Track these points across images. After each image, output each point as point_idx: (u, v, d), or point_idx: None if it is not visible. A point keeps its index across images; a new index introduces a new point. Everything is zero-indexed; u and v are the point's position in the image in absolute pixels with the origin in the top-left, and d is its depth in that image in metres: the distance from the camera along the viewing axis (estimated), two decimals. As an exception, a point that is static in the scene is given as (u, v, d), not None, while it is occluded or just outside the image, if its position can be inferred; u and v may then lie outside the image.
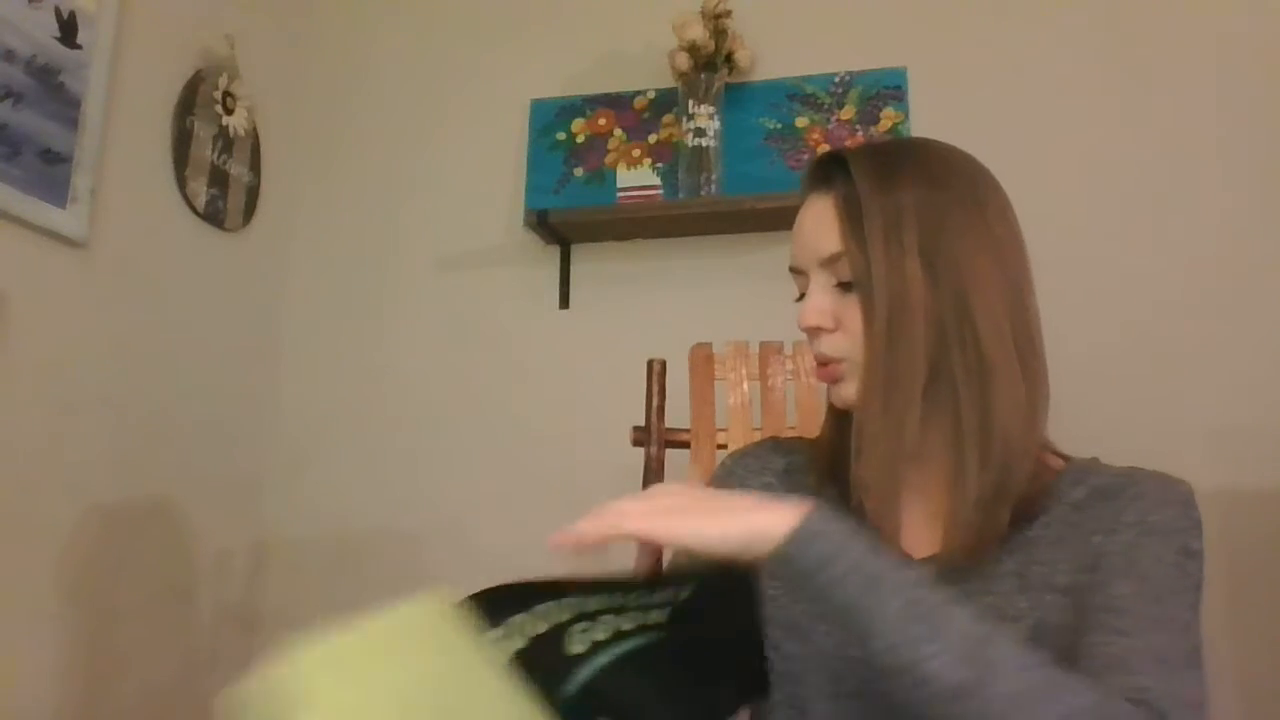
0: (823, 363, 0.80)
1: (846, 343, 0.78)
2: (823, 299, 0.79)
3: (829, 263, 0.78)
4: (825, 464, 0.86)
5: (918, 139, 0.84)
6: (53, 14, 1.46)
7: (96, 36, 1.54)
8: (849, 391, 0.78)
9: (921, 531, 0.79)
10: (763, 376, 1.31)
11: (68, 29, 1.49)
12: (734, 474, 0.93)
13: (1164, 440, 1.57)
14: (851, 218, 0.76)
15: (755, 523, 0.63)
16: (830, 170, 0.80)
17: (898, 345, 0.74)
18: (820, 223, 0.79)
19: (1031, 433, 0.75)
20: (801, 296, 0.82)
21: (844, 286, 0.77)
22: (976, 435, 0.73)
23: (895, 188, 0.76)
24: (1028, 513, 0.75)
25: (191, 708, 1.71)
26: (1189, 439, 1.57)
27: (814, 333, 0.79)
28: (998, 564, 0.75)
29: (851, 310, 0.77)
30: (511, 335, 1.93)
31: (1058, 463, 0.80)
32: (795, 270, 0.82)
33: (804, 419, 1.27)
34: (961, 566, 0.75)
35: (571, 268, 1.93)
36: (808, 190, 0.82)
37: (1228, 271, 1.63)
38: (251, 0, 1.99)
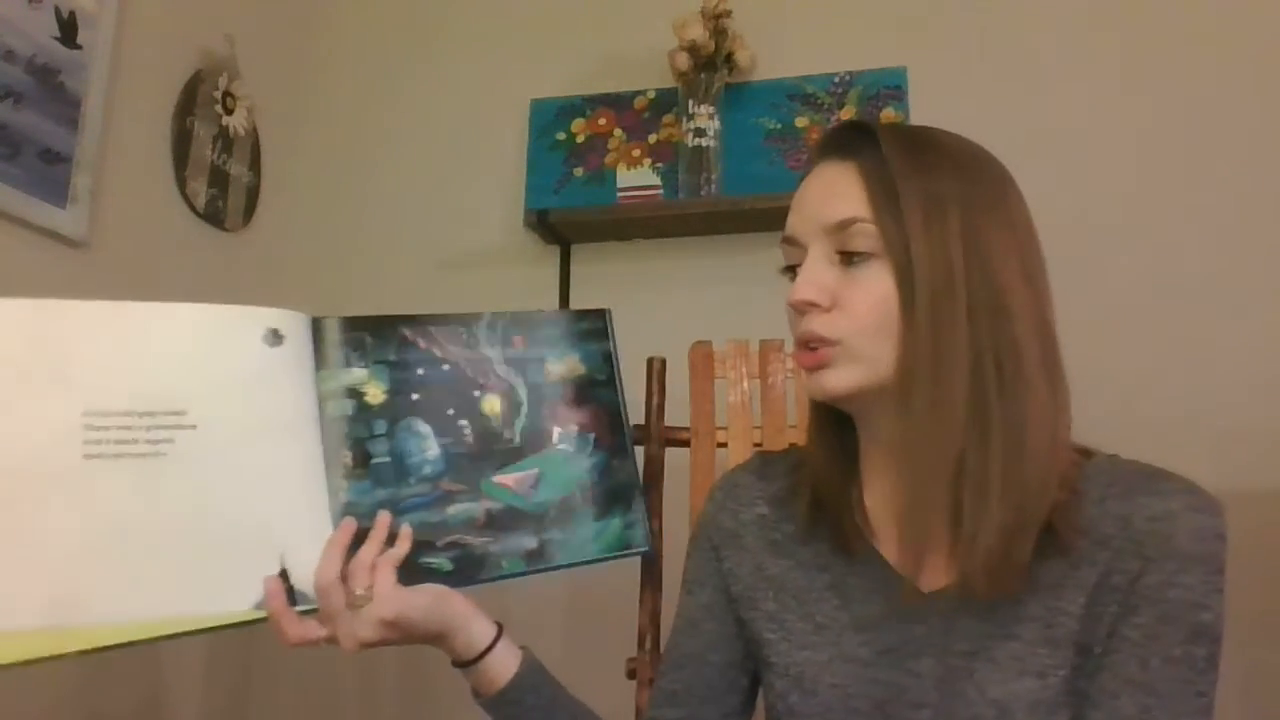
0: (810, 345, 0.70)
1: (843, 324, 0.68)
2: (822, 273, 0.69)
3: (839, 229, 0.69)
4: (814, 494, 0.78)
5: (940, 129, 0.75)
6: (53, 14, 1.46)
7: (96, 36, 1.54)
8: (836, 380, 0.69)
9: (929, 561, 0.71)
10: (763, 375, 1.31)
11: (68, 29, 1.49)
12: (725, 508, 0.85)
13: (1169, 441, 1.57)
14: (882, 188, 0.68)
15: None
16: (851, 140, 0.72)
17: (942, 332, 0.65)
18: (835, 186, 0.70)
19: (1056, 449, 0.67)
20: (791, 270, 0.73)
21: (851, 259, 0.69)
22: (1004, 452, 0.65)
23: (932, 169, 0.68)
24: (1055, 542, 0.67)
25: (193, 708, 1.70)
26: (1194, 440, 1.57)
27: (805, 309, 0.70)
28: (1019, 605, 0.67)
29: (856, 288, 0.68)
30: (512, 335, 1.93)
31: (1075, 458, 0.71)
32: (790, 241, 0.73)
33: (804, 417, 1.27)
34: (980, 607, 0.68)
35: (571, 268, 1.93)
36: (819, 158, 0.74)
37: (1228, 270, 1.62)
38: (251, 0, 1.99)
